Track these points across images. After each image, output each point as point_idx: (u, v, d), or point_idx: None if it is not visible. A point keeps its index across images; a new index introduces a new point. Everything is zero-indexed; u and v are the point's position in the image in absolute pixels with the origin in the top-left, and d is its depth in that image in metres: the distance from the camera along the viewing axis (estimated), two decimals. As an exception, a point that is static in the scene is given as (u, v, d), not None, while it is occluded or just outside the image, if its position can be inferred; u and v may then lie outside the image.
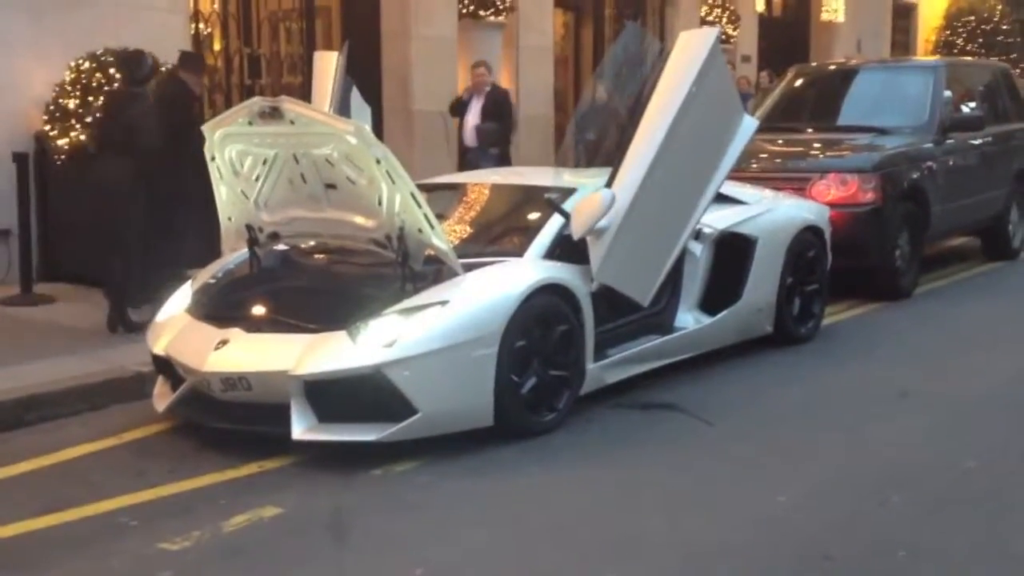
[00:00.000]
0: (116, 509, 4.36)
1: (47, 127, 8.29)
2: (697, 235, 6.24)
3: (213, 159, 5.46)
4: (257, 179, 5.45)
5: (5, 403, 5.44)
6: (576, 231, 5.42)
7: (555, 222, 5.70)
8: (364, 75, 9.27)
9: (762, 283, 6.70)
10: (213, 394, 5.04)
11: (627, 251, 5.45)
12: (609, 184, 5.46)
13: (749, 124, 6.18)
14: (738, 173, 8.23)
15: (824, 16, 19.24)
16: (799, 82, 10.60)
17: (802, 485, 4.60)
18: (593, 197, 5.43)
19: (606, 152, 6.55)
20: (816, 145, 9.14)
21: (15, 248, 7.89)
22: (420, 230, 5.13)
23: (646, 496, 4.52)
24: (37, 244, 8.07)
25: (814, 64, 13.61)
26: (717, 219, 6.60)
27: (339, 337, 4.87)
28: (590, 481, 4.69)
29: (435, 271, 5.25)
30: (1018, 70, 14.46)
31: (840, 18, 19.37)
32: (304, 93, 7.79)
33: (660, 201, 5.55)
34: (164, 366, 5.43)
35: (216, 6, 10.68)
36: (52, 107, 8.29)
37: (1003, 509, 4.36)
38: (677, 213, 5.75)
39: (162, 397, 5.42)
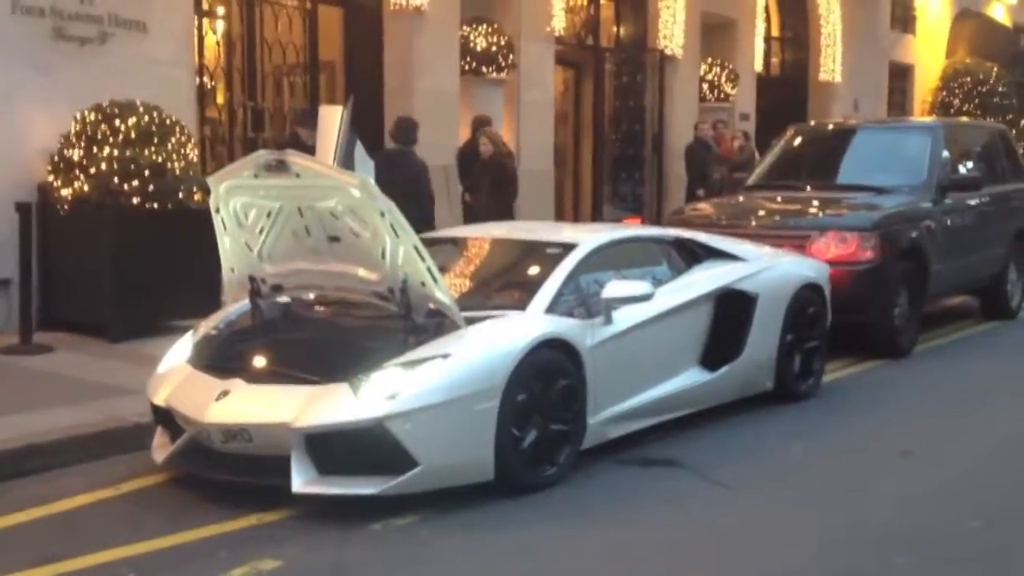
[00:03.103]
0: (114, 560, 4.32)
1: (51, 178, 8.33)
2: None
3: (218, 211, 5.48)
4: (261, 231, 5.47)
5: (3, 452, 5.40)
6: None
7: (557, 276, 5.72)
8: (367, 129, 9.34)
9: (762, 339, 6.70)
10: (213, 445, 5.02)
11: None
12: None
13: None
14: (738, 230, 8.36)
15: (822, 76, 19.45)
16: (797, 141, 10.69)
17: (805, 543, 4.57)
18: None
19: None
20: (815, 203, 9.19)
21: (15, 297, 7.89)
22: (423, 283, 5.14)
23: (648, 553, 4.48)
24: (38, 293, 8.07)
25: (812, 123, 13.74)
26: (718, 275, 6.63)
27: (341, 389, 4.86)
28: (591, 537, 4.66)
29: (437, 324, 5.26)
30: (1014, 131, 14.57)
31: (837, 78, 19.58)
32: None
33: None
34: (163, 417, 5.40)
35: (221, 60, 10.79)
36: (56, 158, 8.34)
37: (1008, 570, 4.33)
38: None
39: (161, 448, 5.39)
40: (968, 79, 22.05)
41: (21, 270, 7.73)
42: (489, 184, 10.65)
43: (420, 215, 8.28)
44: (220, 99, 10.84)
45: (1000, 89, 21.96)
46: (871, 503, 5.11)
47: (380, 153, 9.25)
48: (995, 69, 22.08)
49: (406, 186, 8.40)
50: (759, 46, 17.98)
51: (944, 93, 22.22)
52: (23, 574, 4.18)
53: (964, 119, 18.21)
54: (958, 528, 4.77)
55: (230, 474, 4.98)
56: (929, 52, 22.75)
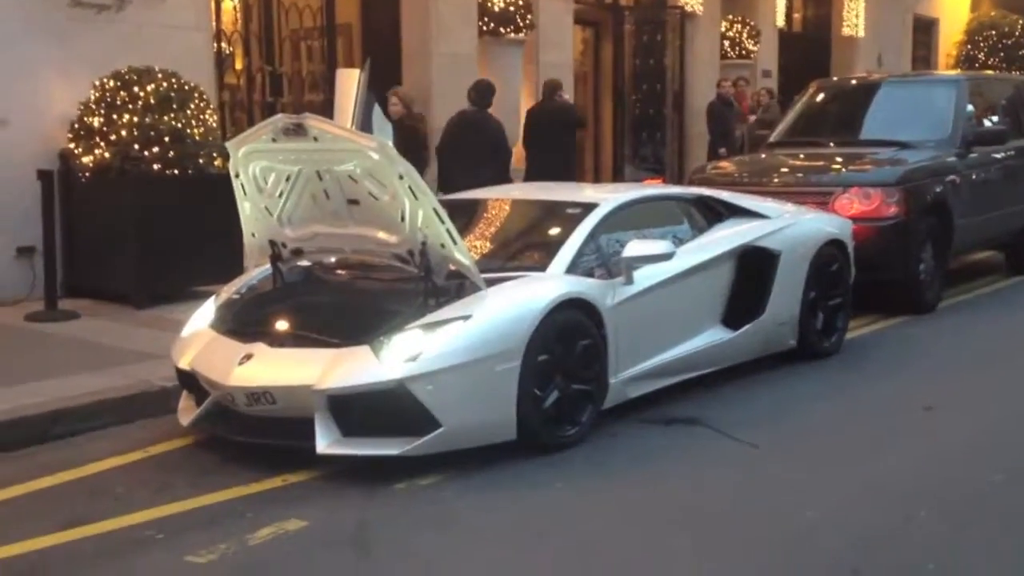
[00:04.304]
0: (142, 523, 4.37)
1: (72, 145, 8.37)
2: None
3: (237, 176, 5.50)
4: (280, 195, 5.48)
5: (31, 418, 5.47)
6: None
7: (577, 237, 5.71)
8: (385, 92, 9.32)
9: (785, 297, 6.67)
10: (237, 408, 5.06)
11: None
12: None
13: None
14: (760, 187, 8.30)
15: (845, 31, 19.22)
16: (820, 97, 10.58)
17: (829, 500, 4.57)
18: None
19: None
20: (838, 159, 9.11)
21: (40, 265, 7.95)
22: (443, 245, 5.14)
23: (670, 512, 4.50)
24: (62, 261, 8.12)
25: (835, 78, 13.59)
26: (739, 233, 6.60)
27: (362, 352, 4.88)
28: (613, 496, 4.68)
29: (457, 286, 5.26)
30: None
31: (861, 33, 19.34)
32: (326, 110, 7.84)
33: None
34: (189, 381, 5.45)
35: (239, 25, 10.76)
36: (77, 125, 8.37)
37: (1032, 523, 4.33)
38: None
39: (187, 411, 5.44)
40: (993, 32, 21.76)
41: (45, 238, 7.79)
42: (401, 151, 10.55)
43: (499, 173, 9.14)
44: (238, 64, 10.82)
45: (1025, 41, 21.66)
46: (894, 459, 5.10)
47: (458, 115, 9.90)
48: (1020, 22, 21.76)
49: (485, 147, 9.35)
50: (780, 2, 17.77)
51: (969, 47, 21.94)
52: (52, 536, 4.24)
53: (989, 72, 17.99)
54: (981, 482, 4.76)
55: (255, 436, 5.03)
56: (953, 5, 22.44)
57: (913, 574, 3.84)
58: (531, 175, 10.84)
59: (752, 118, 14.30)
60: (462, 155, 9.51)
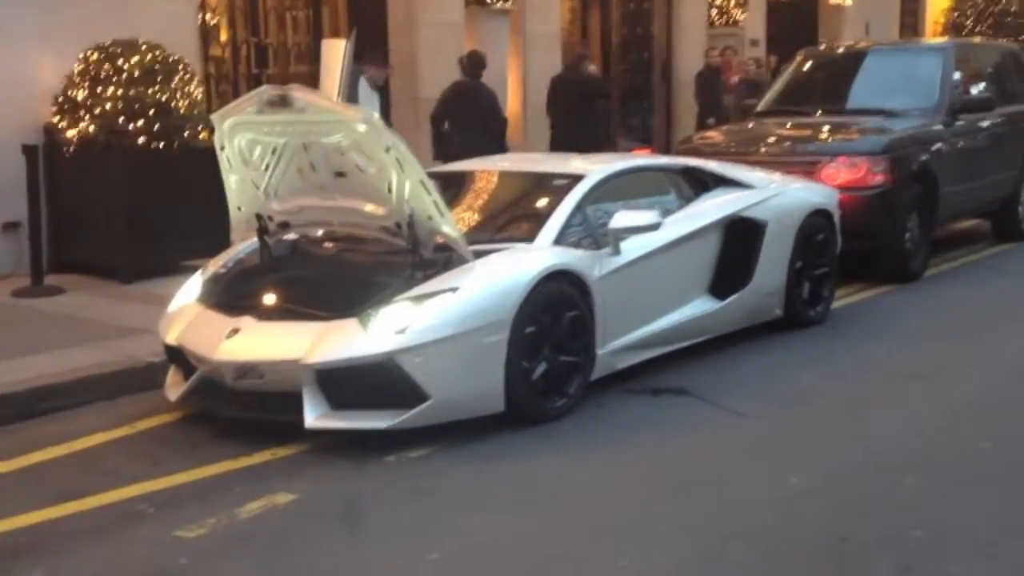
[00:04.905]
0: (132, 497, 4.39)
1: (56, 119, 8.31)
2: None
3: (223, 148, 5.47)
4: (266, 168, 5.45)
5: (19, 393, 5.47)
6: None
7: (565, 208, 5.71)
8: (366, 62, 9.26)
9: (772, 267, 6.69)
10: (225, 383, 5.06)
11: None
12: None
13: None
14: (747, 157, 8.30)
15: (832, -1, 19.13)
16: (807, 65, 10.56)
17: (815, 467, 4.61)
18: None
19: None
20: (825, 128, 9.10)
21: (25, 240, 7.91)
22: (430, 217, 5.14)
23: (658, 480, 4.53)
24: (47, 236, 8.09)
25: (822, 47, 13.55)
26: (726, 203, 6.60)
27: (350, 325, 4.89)
28: (602, 466, 4.71)
29: (445, 258, 5.26)
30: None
31: (848, 1, 19.26)
32: (312, 82, 7.80)
33: None
34: (176, 355, 5.45)
35: (223, -4, 10.67)
36: (61, 99, 8.31)
37: (1019, 488, 4.37)
38: None
39: (175, 386, 5.44)
40: (980, -1, 21.68)
41: (30, 213, 7.75)
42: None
43: (494, 140, 9.36)
44: (223, 36, 10.72)
45: (1013, 9, 21.58)
46: (881, 427, 5.14)
47: (452, 85, 10.02)
48: (1008, -12, 21.68)
49: (478, 115, 9.60)
50: (768, -30, 17.67)
51: (956, 14, 21.86)
52: (44, 511, 4.25)
53: (976, 39, 17.95)
54: (968, 449, 4.80)
55: (243, 411, 5.04)
56: (941, -28, 22.34)
57: (900, 540, 3.87)
58: (555, 145, 11.03)
59: (736, 79, 14.24)
60: (458, 124, 9.74)
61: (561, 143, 10.76)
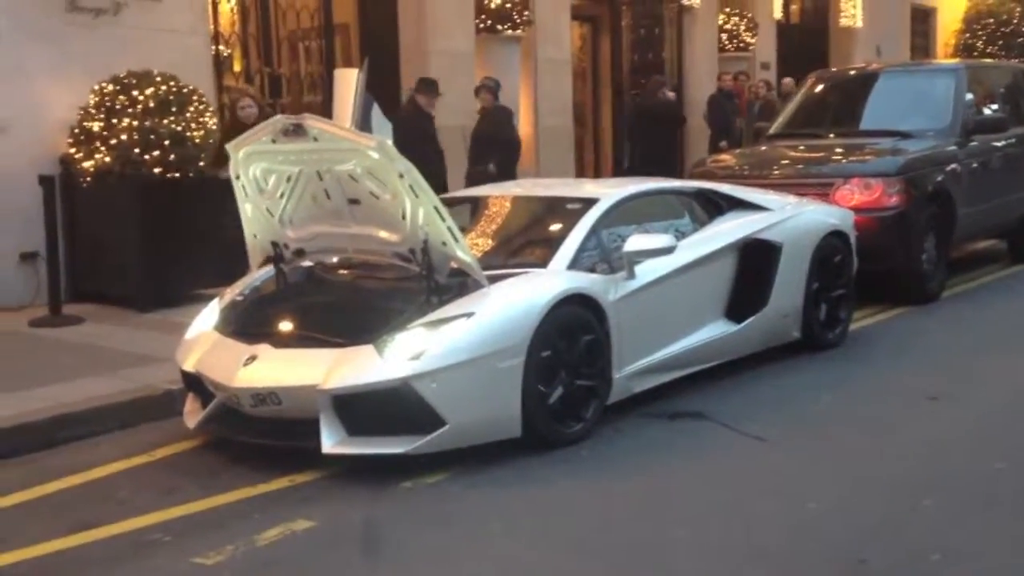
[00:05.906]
0: (149, 526, 4.38)
1: (72, 150, 8.37)
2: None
3: (238, 177, 5.50)
4: (281, 196, 5.48)
5: (37, 423, 5.48)
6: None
7: (579, 232, 5.72)
8: (383, 91, 9.31)
9: (788, 289, 6.68)
10: (243, 409, 5.07)
11: None
12: None
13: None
14: (760, 180, 8.30)
15: (843, 22, 19.19)
16: (819, 88, 10.58)
17: (833, 490, 4.58)
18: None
19: None
20: (839, 150, 9.11)
21: (43, 270, 7.96)
22: (444, 243, 5.15)
23: (675, 505, 4.50)
24: (65, 265, 8.14)
25: (834, 69, 13.58)
26: (741, 226, 6.60)
27: (366, 351, 4.89)
28: (619, 491, 4.68)
29: (460, 284, 5.27)
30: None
31: (859, 23, 19.32)
32: (325, 111, 7.85)
33: None
34: (194, 383, 5.46)
35: (236, 27, 10.76)
36: (77, 130, 8.38)
37: (1037, 511, 4.33)
38: None
39: (192, 414, 5.45)
40: (991, 20, 21.73)
41: (48, 243, 7.80)
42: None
43: (505, 161, 10.20)
44: (237, 66, 10.82)
45: (1023, 29, 21.61)
46: (899, 449, 5.11)
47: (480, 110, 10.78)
48: (1018, 9, 21.72)
49: (495, 138, 10.36)
50: (778, -7, 17.77)
51: (967, 35, 21.91)
52: (59, 541, 4.25)
53: (987, 60, 17.96)
54: (984, 470, 4.76)
55: (261, 437, 5.04)
56: (951, -6, 22.41)
57: (919, 563, 3.84)
58: (633, 167, 11.77)
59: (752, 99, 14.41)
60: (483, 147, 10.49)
61: (641, 165, 11.55)
